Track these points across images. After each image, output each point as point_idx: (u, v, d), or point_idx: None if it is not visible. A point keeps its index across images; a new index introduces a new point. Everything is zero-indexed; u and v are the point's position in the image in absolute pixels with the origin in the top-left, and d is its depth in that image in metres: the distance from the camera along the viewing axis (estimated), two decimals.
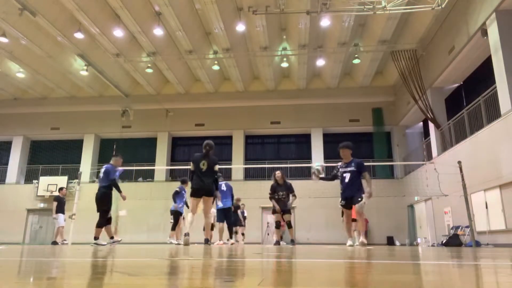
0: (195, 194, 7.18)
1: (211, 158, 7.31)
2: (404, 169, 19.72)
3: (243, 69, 19.56)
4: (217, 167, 7.30)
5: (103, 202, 8.01)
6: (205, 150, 7.36)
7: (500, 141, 10.80)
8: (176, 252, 3.73)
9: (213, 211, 10.27)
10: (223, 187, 10.47)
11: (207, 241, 7.27)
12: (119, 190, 8.08)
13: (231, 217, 10.71)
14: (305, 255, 3.32)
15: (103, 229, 8.08)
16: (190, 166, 7.41)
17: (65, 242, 12.39)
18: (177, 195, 11.59)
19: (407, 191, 17.99)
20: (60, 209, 12.61)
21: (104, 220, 8.00)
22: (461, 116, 13.87)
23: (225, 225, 10.46)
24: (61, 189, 13.45)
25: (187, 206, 11.24)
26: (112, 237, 8.31)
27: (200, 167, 7.19)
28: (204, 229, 7.40)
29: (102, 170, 8.20)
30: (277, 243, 9.22)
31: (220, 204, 10.07)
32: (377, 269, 1.74)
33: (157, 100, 21.18)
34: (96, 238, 7.96)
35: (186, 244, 7.05)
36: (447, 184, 12.97)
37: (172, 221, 11.79)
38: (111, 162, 8.43)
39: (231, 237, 10.87)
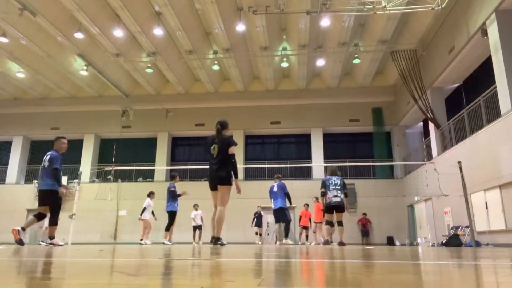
0: (210, 186, 5.89)
1: (223, 139, 5.86)
2: (404, 169, 19.71)
3: (243, 69, 19.56)
4: (232, 148, 5.80)
5: (51, 198, 7.26)
6: (216, 129, 5.96)
7: (500, 141, 10.80)
8: (177, 253, 3.73)
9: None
10: (275, 188, 10.25)
11: (217, 240, 5.69)
12: (59, 183, 7.28)
13: (283, 217, 10.19)
14: (305, 255, 3.32)
15: (52, 227, 7.44)
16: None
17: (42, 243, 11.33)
18: (172, 194, 11.08)
19: (407, 191, 18.00)
20: None
21: (57, 218, 7.37)
22: (461, 116, 13.87)
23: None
24: None
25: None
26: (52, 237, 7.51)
27: (211, 152, 5.87)
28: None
29: (47, 158, 7.21)
30: (327, 242, 8.72)
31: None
32: (377, 269, 1.74)
33: (157, 100, 21.19)
34: (51, 237, 7.30)
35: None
36: (447, 184, 12.98)
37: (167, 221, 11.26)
38: (54, 147, 7.36)
39: (286, 237, 10.41)
